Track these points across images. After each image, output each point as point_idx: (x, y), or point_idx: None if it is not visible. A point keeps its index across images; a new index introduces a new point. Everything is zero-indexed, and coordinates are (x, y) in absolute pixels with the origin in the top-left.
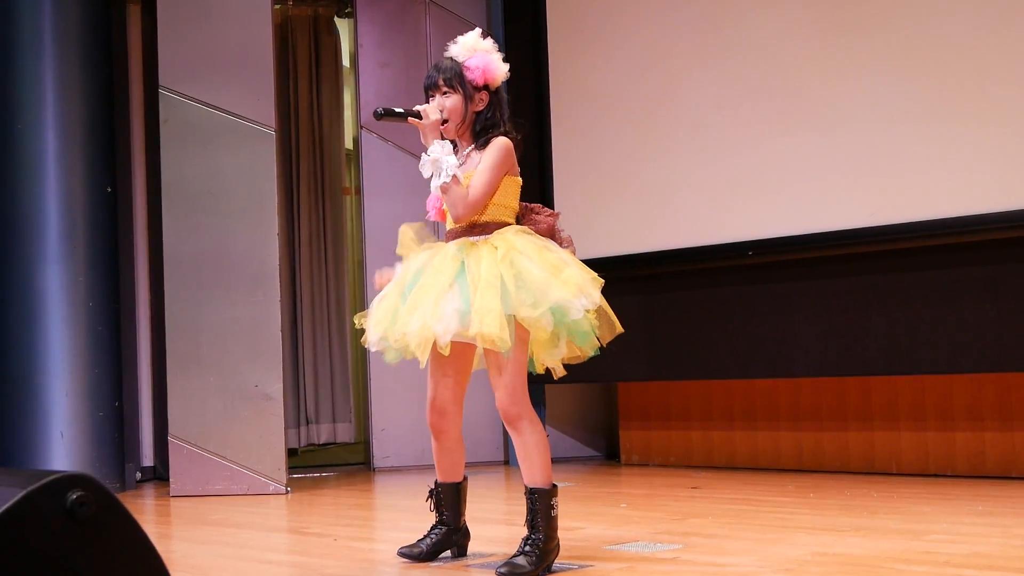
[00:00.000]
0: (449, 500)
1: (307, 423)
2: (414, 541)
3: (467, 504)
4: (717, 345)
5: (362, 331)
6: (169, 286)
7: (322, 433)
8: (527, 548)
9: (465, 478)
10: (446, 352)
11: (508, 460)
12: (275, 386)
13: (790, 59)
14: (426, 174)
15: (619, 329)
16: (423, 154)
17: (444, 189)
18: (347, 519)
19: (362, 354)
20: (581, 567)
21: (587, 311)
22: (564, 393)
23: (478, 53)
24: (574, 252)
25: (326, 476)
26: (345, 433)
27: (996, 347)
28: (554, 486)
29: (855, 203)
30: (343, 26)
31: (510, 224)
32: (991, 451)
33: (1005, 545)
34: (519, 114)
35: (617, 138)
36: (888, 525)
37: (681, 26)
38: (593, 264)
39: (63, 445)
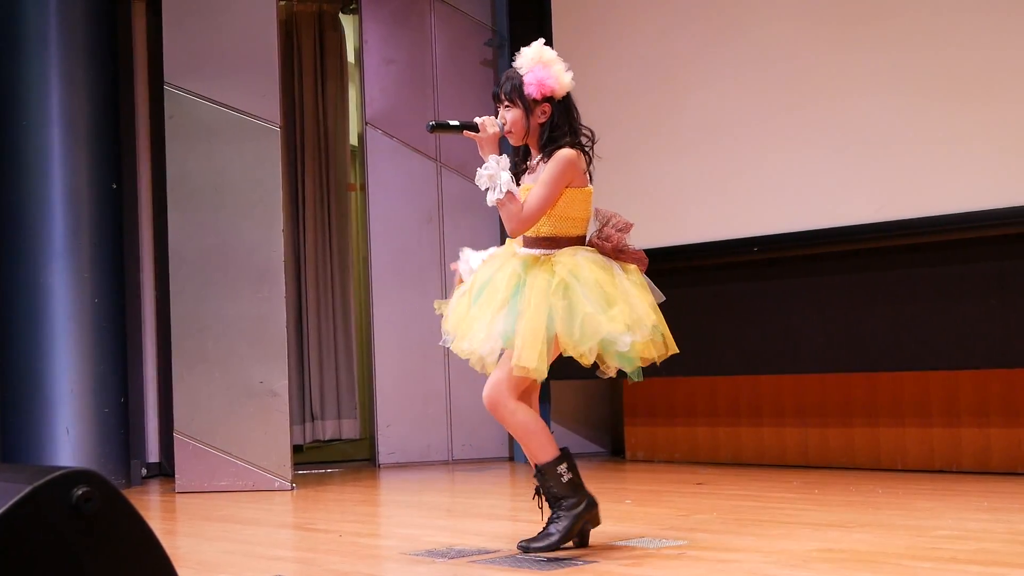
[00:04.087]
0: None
1: (312, 419)
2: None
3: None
4: (722, 341)
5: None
6: (174, 282)
7: (327, 429)
8: (555, 516)
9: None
10: (490, 370)
11: (513, 456)
12: (280, 382)
13: (795, 58)
14: (482, 187)
15: (673, 350)
16: (479, 168)
17: (500, 205)
18: (352, 515)
19: (367, 350)
20: (586, 563)
21: (634, 344)
22: (569, 389)
23: (537, 66)
24: (645, 264)
25: (331, 472)
26: (350, 429)
27: (1002, 343)
28: (558, 456)
29: (861, 199)
30: (348, 22)
31: (578, 236)
32: (997, 447)
33: (1010, 541)
34: None
35: (623, 136)
36: (893, 521)
37: (686, 22)
38: None
39: (69, 441)
